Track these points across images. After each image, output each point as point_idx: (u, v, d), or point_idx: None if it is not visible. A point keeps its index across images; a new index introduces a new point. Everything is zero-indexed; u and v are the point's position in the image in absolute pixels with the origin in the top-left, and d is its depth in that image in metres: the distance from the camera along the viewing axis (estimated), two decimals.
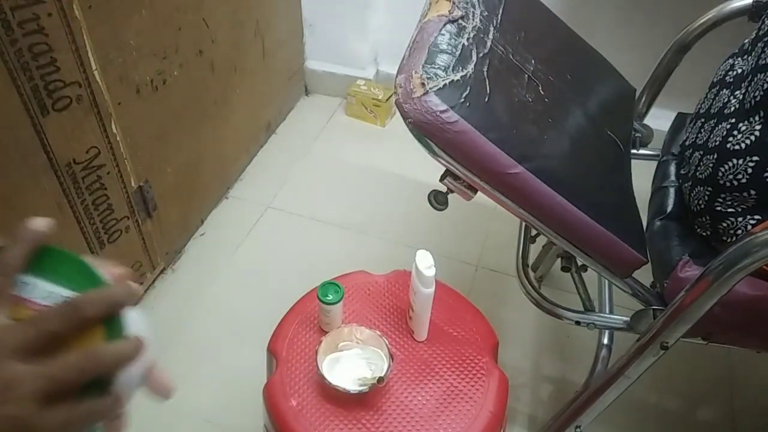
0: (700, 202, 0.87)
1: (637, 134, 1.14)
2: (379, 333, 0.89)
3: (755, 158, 0.80)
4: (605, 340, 1.13)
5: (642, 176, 1.09)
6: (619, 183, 0.96)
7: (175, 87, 1.36)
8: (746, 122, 0.83)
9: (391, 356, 0.86)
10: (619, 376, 0.88)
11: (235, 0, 1.54)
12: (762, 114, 0.81)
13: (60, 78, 1.02)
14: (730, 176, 0.82)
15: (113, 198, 1.24)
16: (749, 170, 0.80)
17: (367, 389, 0.83)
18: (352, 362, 0.87)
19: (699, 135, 0.95)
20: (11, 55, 0.92)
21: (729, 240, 0.84)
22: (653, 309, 0.85)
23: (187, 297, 1.47)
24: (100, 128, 1.15)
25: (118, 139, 1.20)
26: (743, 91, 0.86)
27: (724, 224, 0.84)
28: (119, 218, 1.28)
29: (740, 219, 0.82)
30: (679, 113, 1.14)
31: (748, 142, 0.81)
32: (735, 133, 0.84)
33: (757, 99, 0.82)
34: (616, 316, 0.94)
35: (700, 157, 0.90)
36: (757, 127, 0.81)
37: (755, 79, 0.83)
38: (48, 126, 1.02)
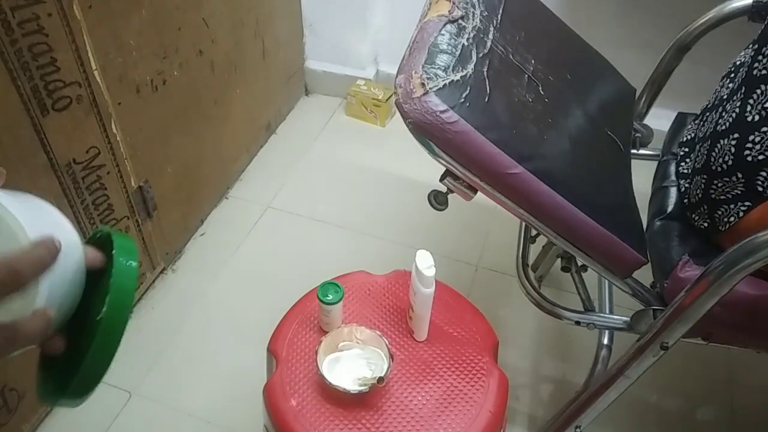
0: (698, 191, 0.88)
1: (637, 134, 1.14)
2: (379, 333, 0.89)
3: (736, 135, 0.80)
4: (605, 340, 1.13)
5: (642, 176, 1.09)
6: (619, 183, 0.96)
7: (175, 87, 1.36)
8: (731, 101, 0.83)
9: (391, 356, 0.86)
10: (619, 376, 0.88)
11: (235, 0, 1.54)
12: (743, 90, 0.81)
13: (60, 78, 1.02)
14: (720, 159, 0.83)
15: (113, 198, 1.24)
16: (732, 149, 0.80)
17: (367, 389, 0.83)
18: (352, 362, 0.87)
19: (701, 128, 0.96)
20: (11, 55, 0.92)
21: (724, 229, 0.84)
22: (653, 309, 0.85)
23: (187, 297, 1.47)
24: (100, 128, 1.15)
25: (118, 139, 1.20)
26: (738, 77, 0.87)
27: (719, 212, 0.84)
28: (119, 218, 1.28)
29: (732, 206, 0.82)
30: (679, 113, 1.14)
31: (730, 120, 0.82)
32: (723, 114, 0.85)
33: (743, 77, 0.83)
34: (616, 317, 0.94)
35: (699, 147, 0.91)
36: (738, 104, 0.81)
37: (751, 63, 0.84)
38: (48, 126, 1.02)
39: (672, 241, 0.91)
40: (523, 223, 1.11)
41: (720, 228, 0.85)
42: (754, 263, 0.69)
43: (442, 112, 0.71)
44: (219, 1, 1.46)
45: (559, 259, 1.06)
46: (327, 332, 0.91)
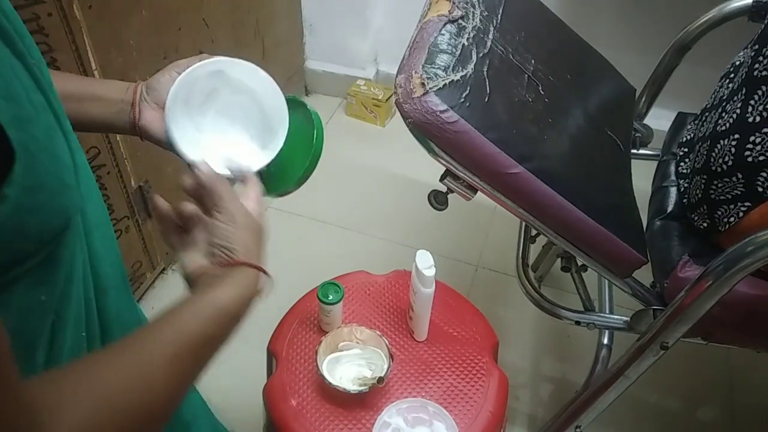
0: (698, 191, 0.88)
1: (637, 134, 1.14)
2: (379, 333, 0.89)
3: (736, 136, 0.80)
4: (605, 340, 1.13)
5: (642, 176, 1.09)
6: (619, 183, 0.96)
7: None
8: (731, 102, 0.84)
9: (391, 356, 0.86)
10: (619, 376, 0.88)
11: (235, 0, 1.54)
12: (744, 91, 0.81)
13: None
14: (720, 160, 0.83)
15: (113, 198, 1.24)
16: (733, 150, 0.80)
17: (367, 389, 0.83)
18: (352, 362, 0.87)
19: (701, 128, 0.96)
20: None
21: (723, 229, 0.84)
22: (653, 309, 0.85)
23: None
24: None
25: (118, 139, 1.20)
26: (738, 77, 0.87)
27: (719, 212, 0.85)
28: (119, 218, 1.28)
29: (732, 207, 0.82)
30: (679, 113, 1.14)
31: (731, 120, 0.82)
32: (723, 114, 0.85)
33: (743, 77, 0.83)
34: (616, 316, 0.94)
35: (698, 147, 0.91)
36: (739, 105, 0.81)
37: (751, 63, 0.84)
38: None
39: (672, 241, 0.91)
40: (523, 223, 1.11)
41: (720, 228, 0.85)
42: (754, 263, 0.69)
43: (442, 111, 0.71)
44: (219, 2, 1.46)
45: (559, 259, 1.06)
46: (327, 332, 0.91)
